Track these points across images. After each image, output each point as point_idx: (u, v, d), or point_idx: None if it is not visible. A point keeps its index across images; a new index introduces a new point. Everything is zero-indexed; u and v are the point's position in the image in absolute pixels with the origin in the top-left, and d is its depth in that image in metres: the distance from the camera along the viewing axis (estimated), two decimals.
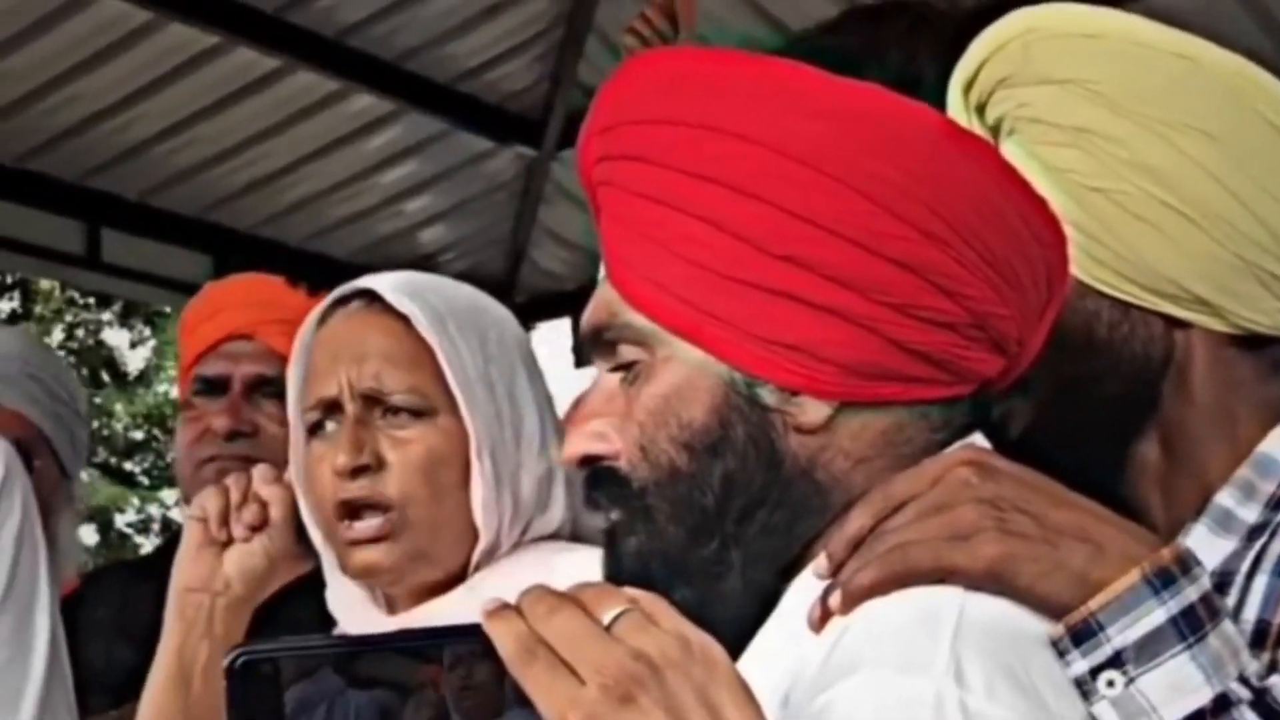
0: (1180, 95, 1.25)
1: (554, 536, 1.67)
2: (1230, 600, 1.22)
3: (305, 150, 4.78)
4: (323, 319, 1.69)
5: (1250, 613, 1.21)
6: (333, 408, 1.63)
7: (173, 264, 4.89)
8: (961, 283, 1.10)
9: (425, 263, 5.26)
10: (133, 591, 2.24)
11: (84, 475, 2.69)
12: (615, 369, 1.15)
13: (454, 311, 1.66)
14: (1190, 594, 1.02)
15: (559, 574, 1.45)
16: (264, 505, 1.66)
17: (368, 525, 1.59)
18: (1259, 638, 1.20)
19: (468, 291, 1.73)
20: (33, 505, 1.78)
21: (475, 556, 1.62)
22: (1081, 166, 1.26)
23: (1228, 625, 1.04)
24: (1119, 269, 1.26)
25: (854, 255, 1.09)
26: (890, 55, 1.50)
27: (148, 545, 15.39)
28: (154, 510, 15.91)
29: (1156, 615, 1.02)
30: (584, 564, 1.38)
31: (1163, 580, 1.02)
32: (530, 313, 5.46)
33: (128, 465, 15.46)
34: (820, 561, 1.07)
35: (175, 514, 15.58)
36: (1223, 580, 1.23)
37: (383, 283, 1.66)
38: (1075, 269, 1.23)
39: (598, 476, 1.15)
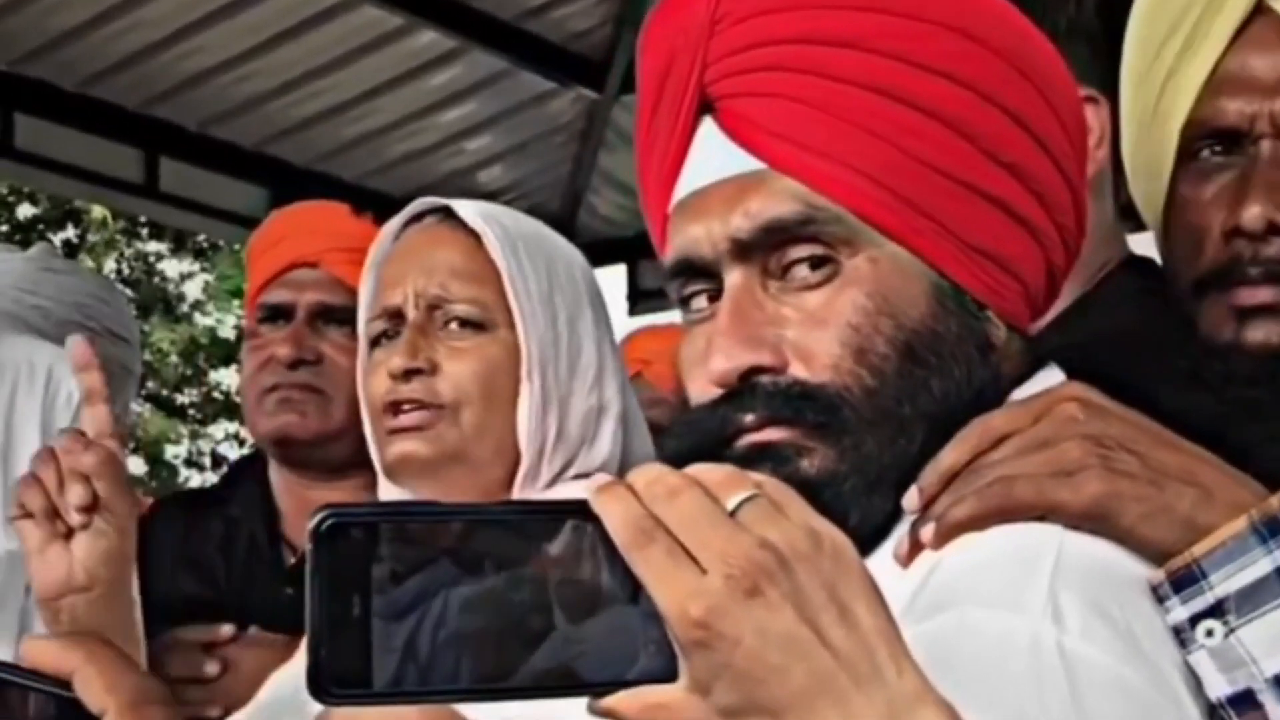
0: None
1: (599, 473, 1.66)
2: None
3: (366, 86, 4.75)
4: (397, 235, 1.71)
5: None
6: (397, 316, 1.66)
7: (229, 196, 4.87)
8: (1085, 217, 1.14)
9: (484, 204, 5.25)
10: (197, 522, 2.23)
11: (134, 406, 2.68)
12: (779, 269, 1.07)
13: (525, 237, 1.68)
14: None
15: None
16: (86, 479, 1.61)
17: (411, 416, 1.61)
18: None
19: (540, 225, 1.76)
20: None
21: (518, 480, 1.62)
22: None
23: None
24: None
25: (1052, 174, 1.10)
26: None
27: (195, 479, 15.46)
28: (203, 444, 16.00)
29: (1262, 565, 0.99)
30: None
31: (1271, 529, 0.99)
32: (586, 258, 5.44)
33: (178, 398, 15.54)
34: (911, 495, 1.04)
35: (224, 449, 15.66)
36: None
37: (459, 203, 1.69)
38: None
39: (756, 391, 1.06)
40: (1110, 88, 1.42)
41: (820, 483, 1.04)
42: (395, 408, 1.61)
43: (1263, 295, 1.21)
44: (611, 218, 5.46)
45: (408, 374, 1.61)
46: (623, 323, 4.39)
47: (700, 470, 0.82)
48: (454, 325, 1.64)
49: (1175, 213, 1.28)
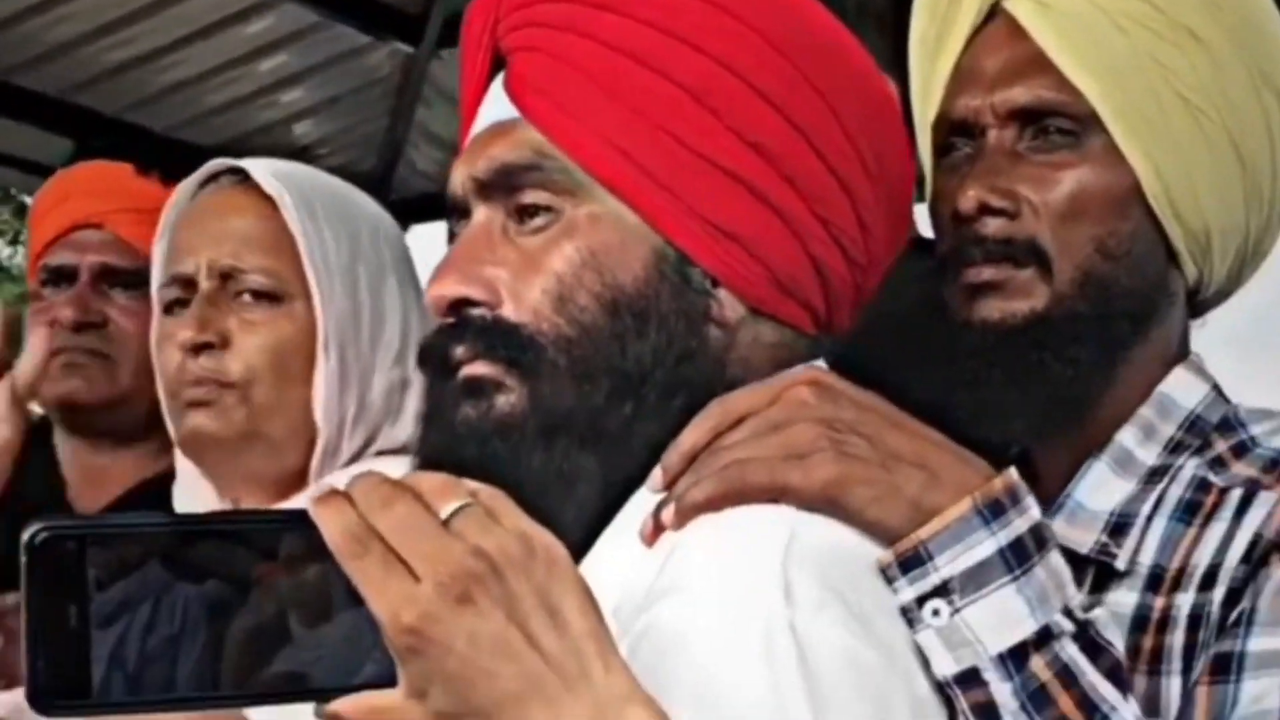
0: None
1: (403, 450, 1.64)
2: (1129, 544, 1.23)
3: (178, 33, 4.66)
4: (192, 196, 1.65)
5: (1146, 557, 1.23)
6: (189, 284, 1.60)
7: (33, 146, 4.76)
8: (876, 223, 1.13)
9: (298, 156, 5.14)
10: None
11: None
12: (516, 212, 1.09)
13: (325, 201, 1.62)
14: (1019, 525, 1.02)
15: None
16: None
17: (200, 390, 1.56)
18: (1154, 583, 1.22)
19: (345, 187, 1.69)
20: None
21: (315, 458, 1.58)
22: None
23: (1054, 556, 1.04)
24: None
25: (812, 163, 1.09)
26: None
27: None
28: None
29: (986, 546, 1.01)
30: None
31: (993, 511, 1.02)
32: (405, 213, 5.38)
33: None
34: (655, 475, 1.06)
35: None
36: (1121, 522, 1.24)
37: (256, 164, 1.62)
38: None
39: (469, 323, 1.09)
40: (899, 70, 1.47)
41: (509, 422, 1.07)
42: (185, 382, 1.57)
43: (985, 274, 1.26)
44: (429, 173, 5.42)
45: (197, 348, 1.57)
46: None
47: (417, 478, 0.84)
48: (246, 297, 1.58)
49: (933, 204, 1.34)
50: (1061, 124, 1.26)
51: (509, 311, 1.08)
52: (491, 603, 0.80)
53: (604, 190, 1.08)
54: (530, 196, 1.09)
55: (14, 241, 13.95)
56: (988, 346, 1.25)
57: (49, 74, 4.67)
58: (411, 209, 5.33)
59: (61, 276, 2.12)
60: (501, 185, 1.10)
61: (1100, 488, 1.26)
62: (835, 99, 1.11)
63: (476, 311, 1.09)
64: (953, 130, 1.32)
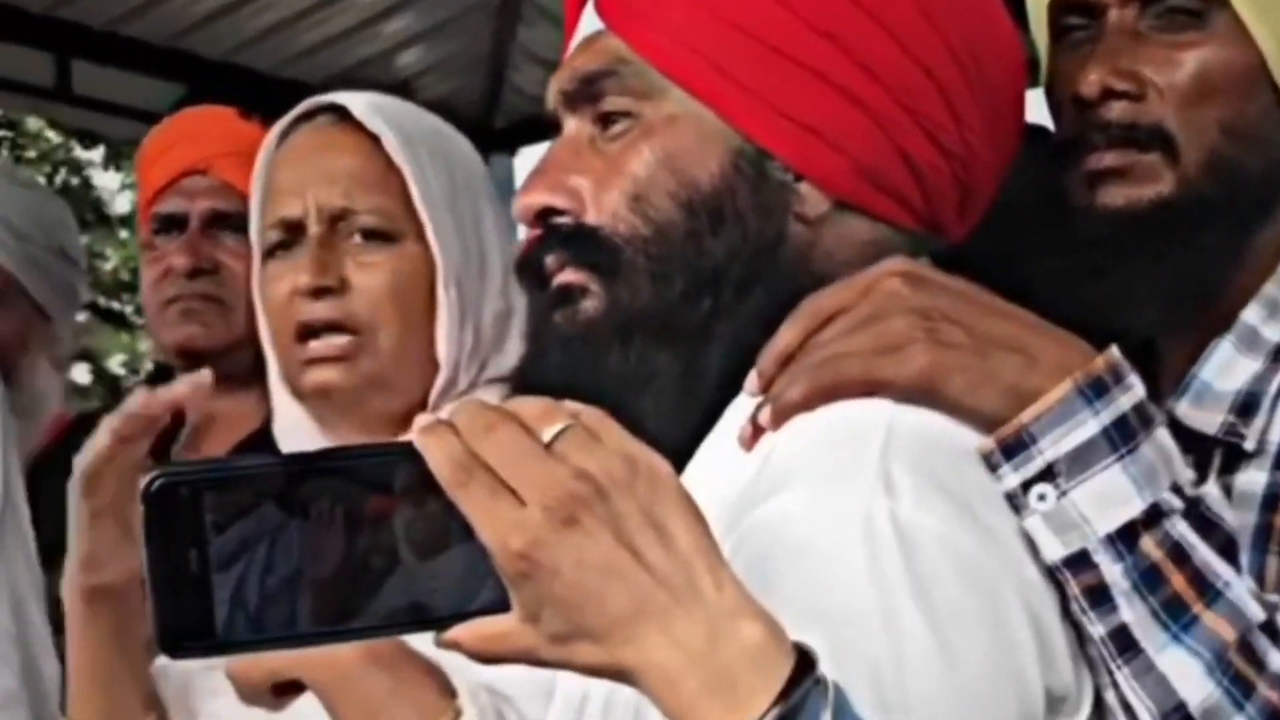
0: None
1: (509, 377, 1.64)
2: (1257, 423, 1.21)
3: None
4: (285, 135, 1.62)
5: (1276, 435, 1.21)
6: (295, 228, 1.58)
7: (144, 94, 4.80)
8: (968, 112, 1.11)
9: (403, 86, 5.15)
10: None
11: (80, 317, 2.65)
12: (599, 120, 1.11)
13: (424, 137, 1.61)
14: (1123, 403, 1.01)
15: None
16: None
17: (329, 344, 1.54)
18: None
19: (436, 120, 1.68)
20: None
21: (434, 392, 1.58)
22: None
23: (1161, 433, 1.02)
24: None
25: (891, 51, 1.08)
26: None
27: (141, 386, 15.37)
28: (144, 348, 15.89)
29: (1089, 426, 1.00)
30: None
31: (1095, 390, 1.00)
32: (512, 137, 5.39)
33: (115, 305, 15.41)
34: (751, 378, 1.06)
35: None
36: (1249, 401, 1.22)
37: (353, 100, 1.60)
38: None
39: (556, 232, 1.11)
40: None
41: (591, 324, 1.09)
42: (307, 329, 1.55)
43: (1108, 159, 1.23)
44: (535, 95, 5.40)
45: (317, 292, 1.54)
46: None
47: (519, 403, 0.84)
48: (358, 238, 1.56)
49: (1050, 87, 1.31)
50: (1185, 2, 1.23)
51: (591, 217, 1.09)
52: (598, 523, 0.80)
53: (680, 90, 1.09)
54: (610, 103, 1.10)
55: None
56: (1113, 234, 1.23)
57: (153, 23, 4.71)
58: (519, 132, 5.34)
59: (172, 224, 2.16)
60: (584, 95, 1.11)
61: (1226, 367, 1.23)
62: None
63: (561, 220, 1.10)
64: (1070, 10, 1.28)
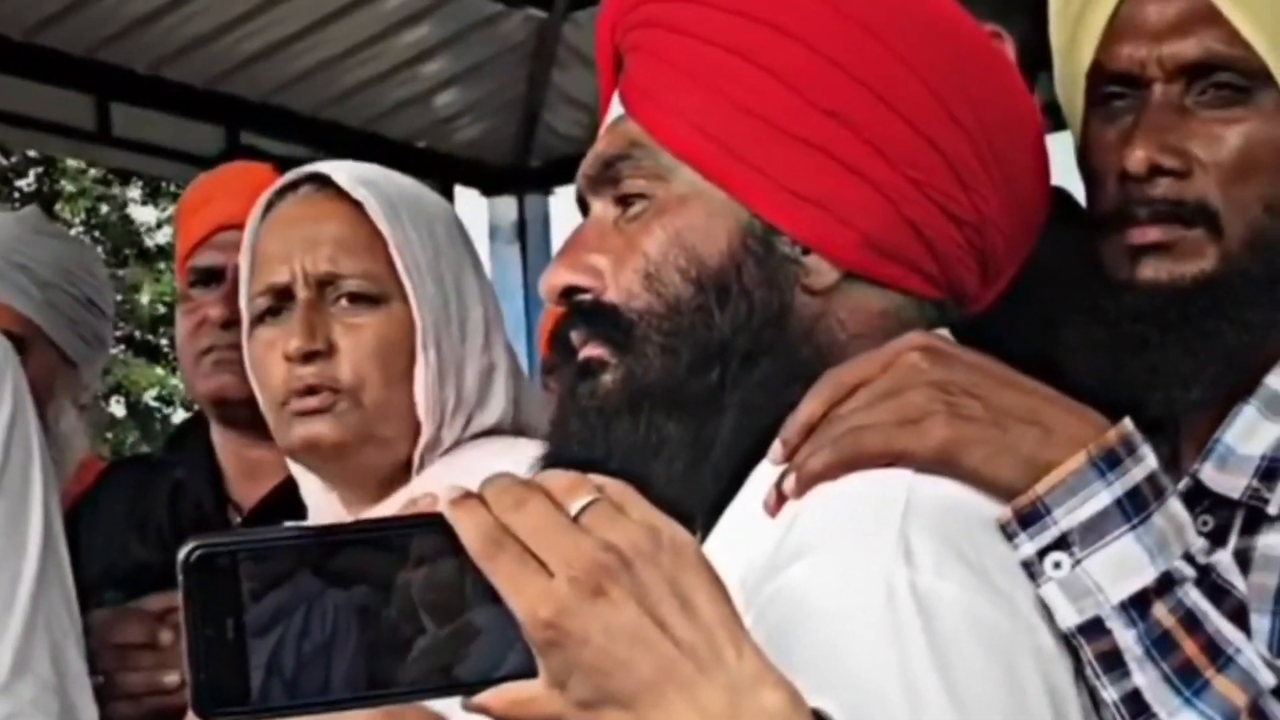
0: None
1: (494, 430, 1.68)
2: None
3: (315, 15, 4.73)
4: (270, 205, 1.69)
5: None
6: (284, 294, 1.63)
7: (185, 136, 4.86)
8: (978, 180, 1.14)
9: (439, 128, 5.24)
10: (145, 485, 2.26)
11: (113, 352, 2.68)
12: (619, 202, 1.16)
13: (405, 200, 1.67)
14: (1135, 474, 1.03)
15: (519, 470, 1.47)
16: None
17: (314, 399, 1.60)
18: None
19: (412, 182, 1.74)
20: (25, 398, 1.76)
21: (419, 449, 1.63)
22: None
23: (1173, 503, 1.05)
24: None
25: (893, 124, 1.12)
26: None
27: (176, 416, 15.46)
28: (177, 381, 15.95)
29: (1102, 497, 1.03)
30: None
31: (1108, 461, 1.03)
32: (546, 177, 5.43)
33: (151, 339, 15.49)
34: (775, 447, 1.09)
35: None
36: (1273, 466, 1.23)
37: (334, 168, 1.67)
38: None
39: (579, 310, 1.16)
40: (1012, 22, 1.47)
41: (607, 397, 1.13)
42: (295, 392, 1.61)
43: (1151, 235, 1.24)
44: (569, 135, 5.45)
45: (306, 356, 1.60)
46: None
47: (546, 477, 0.88)
48: (344, 301, 1.63)
49: (1086, 154, 1.32)
50: (1232, 79, 1.23)
51: (610, 295, 1.14)
52: (624, 594, 0.83)
53: (690, 170, 1.13)
54: (628, 186, 1.15)
55: None
56: (1155, 309, 1.23)
57: (194, 66, 4.77)
58: (553, 172, 5.38)
59: (209, 277, 2.20)
60: (605, 178, 1.16)
61: (1251, 432, 1.24)
62: (912, 56, 1.13)
63: (584, 297, 1.15)
64: (1111, 79, 1.29)
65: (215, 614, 0.84)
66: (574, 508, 0.85)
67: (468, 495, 0.86)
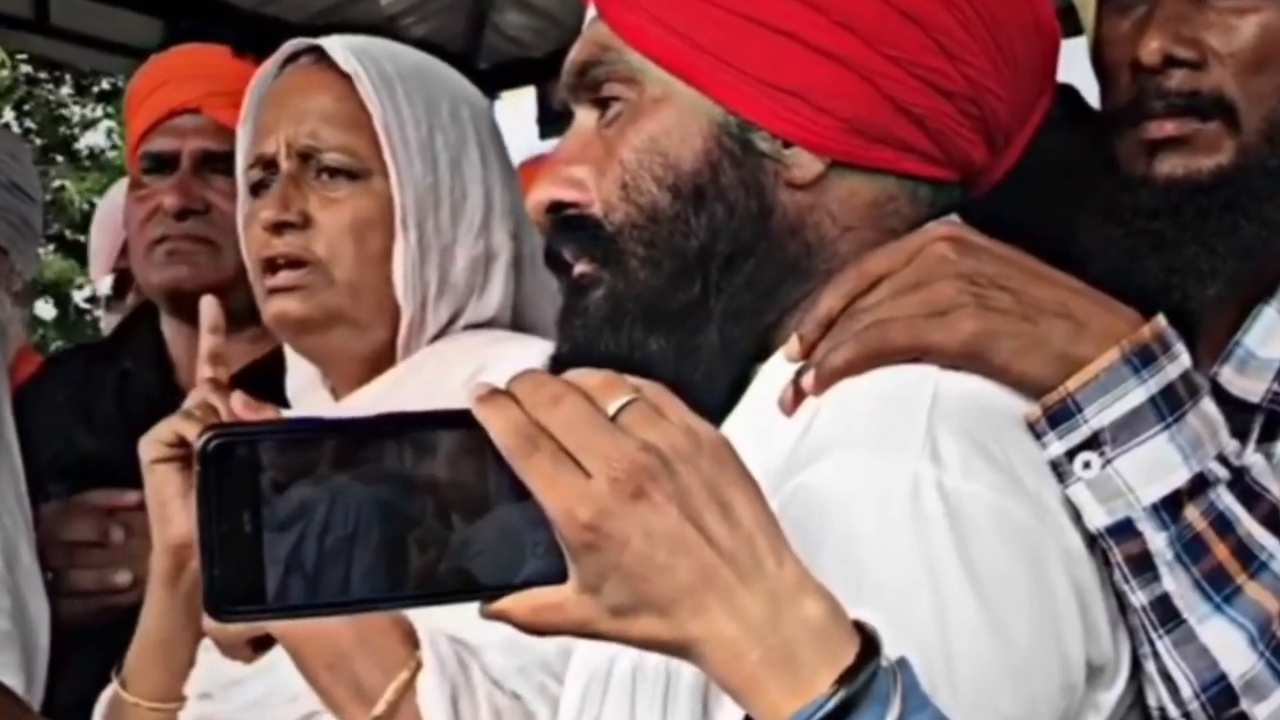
0: None
1: (491, 323, 1.64)
2: None
3: None
4: (275, 77, 1.66)
5: None
6: (271, 165, 1.61)
7: (123, 28, 4.74)
8: (964, 48, 1.09)
9: (385, 26, 5.12)
10: (91, 375, 2.20)
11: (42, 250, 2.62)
12: (597, 105, 1.12)
13: (404, 76, 1.62)
14: (1171, 372, 1.00)
15: (503, 363, 1.43)
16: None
17: (285, 275, 1.58)
18: None
19: (426, 60, 1.69)
20: None
21: (400, 333, 1.60)
22: None
23: (1207, 403, 1.02)
24: None
25: (864, 2, 1.07)
26: None
27: (104, 318, 15.30)
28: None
29: (1136, 395, 0.99)
30: (525, 353, 1.36)
31: (1143, 358, 1.00)
32: (494, 81, 5.33)
33: (82, 238, 15.33)
34: (792, 343, 1.05)
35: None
36: None
37: (333, 42, 1.63)
38: None
39: (566, 224, 1.12)
40: None
41: (594, 312, 1.10)
42: (270, 264, 1.59)
43: (1168, 128, 1.21)
44: (519, 39, 5.36)
45: (279, 227, 1.58)
46: (535, 146, 4.34)
47: (580, 375, 0.84)
48: (325, 175, 1.60)
49: (1100, 48, 1.28)
50: None
51: (596, 208, 1.10)
52: (665, 498, 0.80)
53: (660, 70, 1.09)
54: (605, 90, 1.11)
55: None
56: (1171, 205, 1.20)
57: None
58: (500, 75, 5.29)
59: (162, 163, 2.13)
60: (582, 84, 1.12)
61: (1271, 335, 1.22)
62: None
63: (570, 212, 1.11)
64: None
65: (232, 507, 0.79)
66: (611, 407, 0.83)
67: (496, 391, 0.83)
